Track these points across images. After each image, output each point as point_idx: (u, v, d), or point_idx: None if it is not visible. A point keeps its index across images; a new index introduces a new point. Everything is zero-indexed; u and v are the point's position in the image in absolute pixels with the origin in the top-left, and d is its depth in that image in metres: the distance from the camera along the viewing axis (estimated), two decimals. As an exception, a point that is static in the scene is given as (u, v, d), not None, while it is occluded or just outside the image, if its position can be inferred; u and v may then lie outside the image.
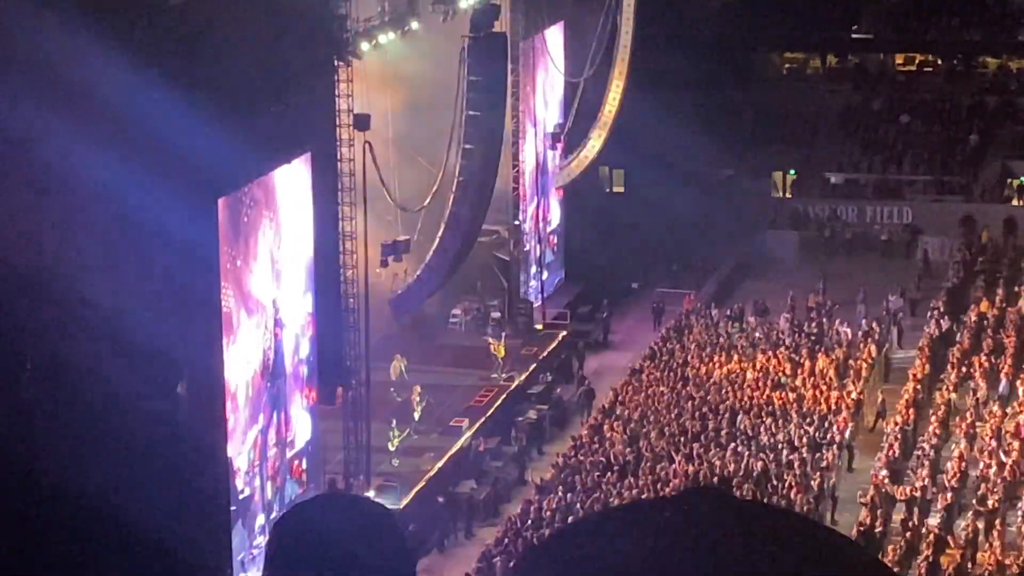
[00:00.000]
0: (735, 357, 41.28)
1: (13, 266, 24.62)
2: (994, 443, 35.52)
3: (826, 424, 37.03)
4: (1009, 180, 54.21)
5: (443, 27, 38.33)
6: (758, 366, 40.52)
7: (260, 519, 30.15)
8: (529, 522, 32.77)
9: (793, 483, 34.01)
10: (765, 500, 30.64)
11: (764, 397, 38.49)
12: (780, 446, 35.80)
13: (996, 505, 32.75)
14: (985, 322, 43.50)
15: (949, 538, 31.79)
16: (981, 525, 32.16)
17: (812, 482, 34.39)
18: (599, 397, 40.08)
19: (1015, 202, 53.80)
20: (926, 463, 34.82)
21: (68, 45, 24.51)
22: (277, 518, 2.69)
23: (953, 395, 38.69)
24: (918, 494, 33.45)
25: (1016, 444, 35.27)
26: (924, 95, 58.02)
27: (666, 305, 46.08)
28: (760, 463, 34.87)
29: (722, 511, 2.06)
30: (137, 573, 24.56)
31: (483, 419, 37.74)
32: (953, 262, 49.58)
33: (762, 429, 36.69)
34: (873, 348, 41.83)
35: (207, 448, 28.05)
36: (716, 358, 41.25)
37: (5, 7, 24.55)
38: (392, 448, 35.01)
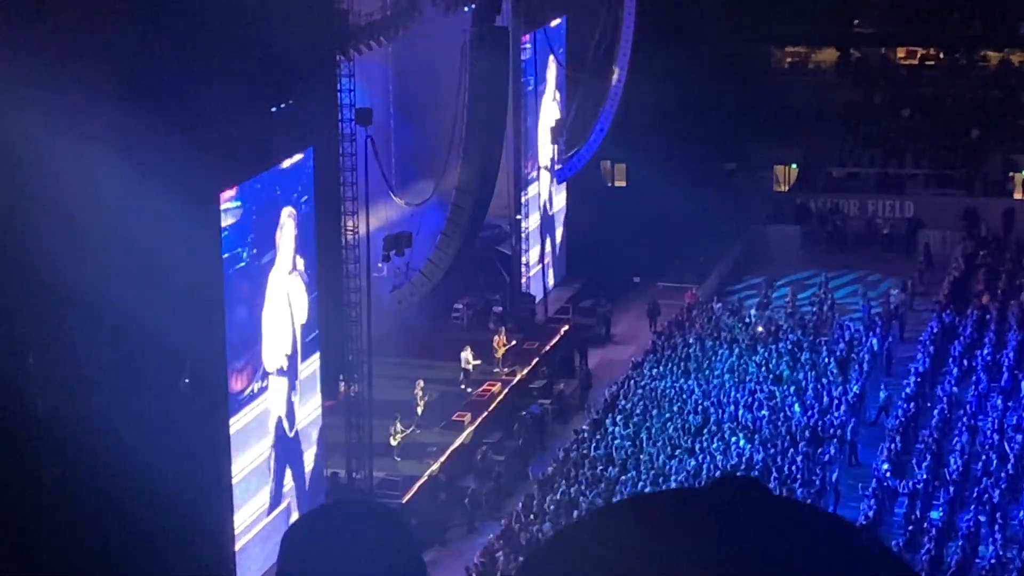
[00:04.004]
0: (736, 351, 41.29)
1: (17, 261, 24.65)
2: (996, 436, 35.54)
3: (828, 418, 37.03)
4: (1011, 174, 54.18)
5: (445, 21, 38.30)
6: (759, 360, 40.52)
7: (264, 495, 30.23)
8: (531, 516, 32.80)
9: (796, 477, 34.03)
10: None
11: (765, 391, 38.50)
12: (782, 440, 35.81)
13: (998, 499, 32.76)
14: (987, 315, 43.51)
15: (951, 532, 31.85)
16: (983, 519, 32.17)
17: (814, 476, 34.41)
18: (601, 390, 40.10)
19: (1016, 195, 53.77)
20: (928, 456, 34.83)
21: (72, 42, 24.53)
22: (289, 527, 2.68)
23: (955, 388, 38.70)
24: (920, 487, 33.46)
25: (1019, 437, 35.30)
26: (926, 89, 57.95)
27: (663, 304, 45.95)
28: (762, 457, 34.89)
29: (756, 505, 2.07)
30: (140, 552, 24.61)
31: (485, 414, 37.74)
32: (955, 256, 49.57)
33: (764, 423, 36.71)
34: (875, 341, 41.84)
35: (209, 431, 28.11)
36: (718, 352, 41.26)
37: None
38: (394, 444, 35.01)
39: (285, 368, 31.26)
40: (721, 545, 2.01)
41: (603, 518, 2.14)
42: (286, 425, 31.42)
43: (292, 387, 31.63)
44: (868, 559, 2.08)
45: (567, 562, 2.07)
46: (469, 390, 38.89)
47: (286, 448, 31.43)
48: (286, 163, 31.12)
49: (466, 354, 39.26)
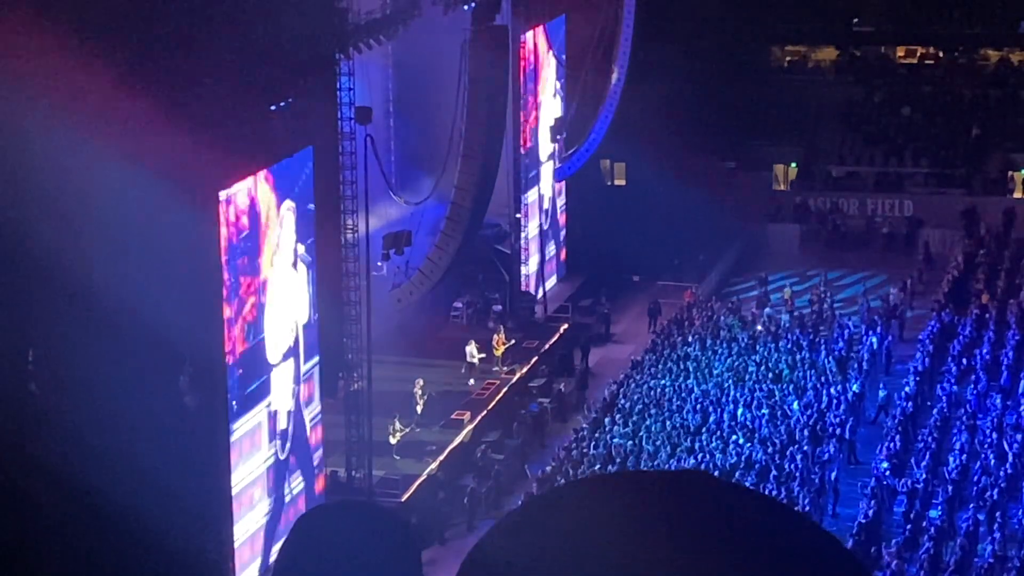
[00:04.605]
0: (736, 350, 41.30)
1: (17, 258, 24.66)
2: (995, 435, 35.55)
3: (827, 417, 37.04)
4: (1010, 172, 54.21)
5: (444, 20, 38.31)
6: (759, 359, 40.54)
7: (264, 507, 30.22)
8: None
9: (795, 475, 34.03)
10: (761, 491, 30.72)
11: (765, 390, 38.51)
12: (781, 439, 35.82)
13: (997, 497, 32.78)
14: (986, 314, 43.53)
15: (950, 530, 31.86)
16: (982, 517, 32.18)
17: (813, 475, 34.41)
18: (599, 389, 40.12)
19: (1016, 194, 53.79)
20: (927, 455, 34.85)
21: (70, 42, 24.54)
22: (290, 526, 2.67)
23: (954, 387, 38.71)
24: (920, 486, 33.47)
25: (1018, 436, 35.31)
26: (925, 88, 57.99)
27: (664, 304, 45.93)
28: (761, 456, 34.90)
29: (706, 491, 2.08)
30: (139, 559, 24.61)
31: (484, 412, 37.73)
32: (954, 255, 49.59)
33: (763, 422, 36.72)
34: (874, 340, 41.85)
35: (208, 439, 28.07)
36: (717, 351, 41.28)
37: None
38: (393, 442, 35.01)
39: (288, 354, 31.16)
40: (665, 526, 2.02)
41: (554, 497, 2.16)
42: (291, 427, 31.37)
43: (296, 382, 31.56)
44: (815, 549, 2.08)
45: (512, 544, 2.08)
46: (472, 382, 38.95)
47: (291, 451, 31.41)
48: (286, 161, 31.13)
49: (471, 348, 39.45)
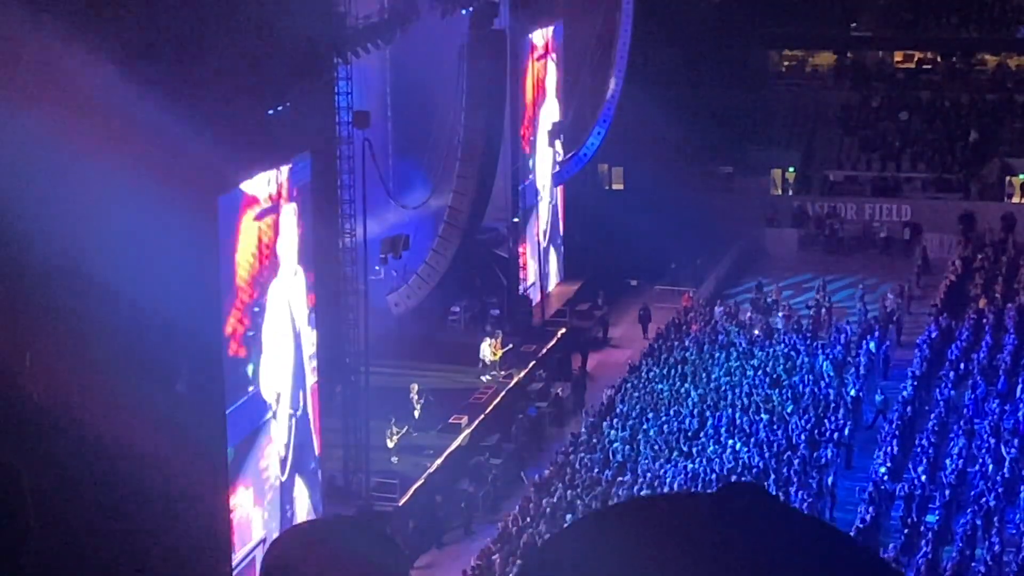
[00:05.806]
0: (734, 354, 41.30)
1: (15, 260, 24.66)
2: (993, 440, 35.56)
3: (825, 421, 37.04)
4: (1008, 178, 54.23)
5: (442, 24, 38.30)
6: (756, 363, 40.53)
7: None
8: (527, 519, 32.79)
9: (792, 480, 34.02)
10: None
11: (762, 394, 38.50)
12: (778, 444, 35.82)
13: (994, 502, 32.78)
14: (984, 319, 43.54)
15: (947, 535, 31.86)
16: (980, 522, 32.19)
17: (811, 480, 34.40)
18: (596, 393, 40.12)
19: (1014, 199, 53.80)
20: (925, 460, 34.85)
21: (67, 46, 24.54)
22: (271, 543, 2.66)
23: (952, 392, 38.71)
24: (917, 491, 33.47)
25: (1015, 441, 35.31)
26: (923, 92, 58.02)
27: (659, 307, 45.96)
28: (759, 460, 34.89)
29: (762, 512, 2.08)
30: (137, 564, 24.58)
31: (482, 416, 37.72)
32: (952, 259, 49.61)
33: (760, 426, 36.72)
34: (872, 345, 41.86)
35: (206, 444, 28.01)
36: (714, 355, 41.28)
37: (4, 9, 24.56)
38: (391, 446, 35.00)
39: (287, 401, 30.98)
40: (722, 555, 2.02)
41: (602, 520, 2.15)
42: (294, 436, 31.29)
43: (299, 387, 31.39)
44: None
45: (563, 565, 2.06)
46: (487, 378, 39.05)
47: (294, 459, 31.38)
48: (284, 166, 31.04)
49: (485, 346, 39.55)
